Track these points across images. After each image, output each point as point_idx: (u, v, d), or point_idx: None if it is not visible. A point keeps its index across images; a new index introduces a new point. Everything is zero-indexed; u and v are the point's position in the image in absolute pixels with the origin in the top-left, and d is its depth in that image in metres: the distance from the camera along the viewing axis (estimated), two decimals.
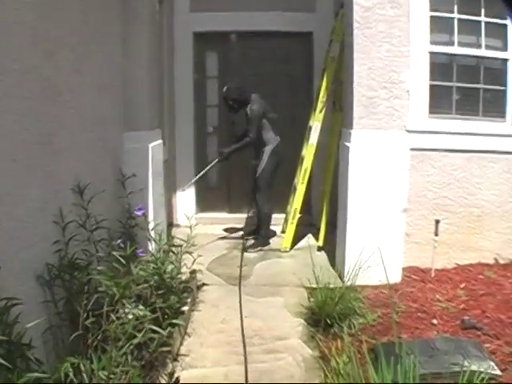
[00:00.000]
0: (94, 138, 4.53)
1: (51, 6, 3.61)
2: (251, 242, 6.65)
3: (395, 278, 5.21)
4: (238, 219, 7.31)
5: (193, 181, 7.16)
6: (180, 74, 7.54)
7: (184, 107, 7.56)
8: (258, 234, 6.69)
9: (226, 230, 7.38)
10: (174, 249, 4.85)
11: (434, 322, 4.42)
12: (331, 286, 4.67)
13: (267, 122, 6.42)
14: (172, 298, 4.30)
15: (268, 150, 6.44)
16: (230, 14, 7.27)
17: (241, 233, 7.02)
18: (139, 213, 4.62)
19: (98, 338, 3.28)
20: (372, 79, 5.13)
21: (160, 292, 4.16)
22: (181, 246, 4.90)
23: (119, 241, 4.31)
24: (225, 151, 6.54)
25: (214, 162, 6.72)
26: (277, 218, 6.95)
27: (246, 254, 6.30)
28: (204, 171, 6.87)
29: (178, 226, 7.54)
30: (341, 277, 5.20)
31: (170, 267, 4.59)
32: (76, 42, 4.10)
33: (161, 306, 4.00)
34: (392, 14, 5.03)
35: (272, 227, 6.88)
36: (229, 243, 6.85)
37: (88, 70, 4.36)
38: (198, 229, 7.23)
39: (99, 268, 3.82)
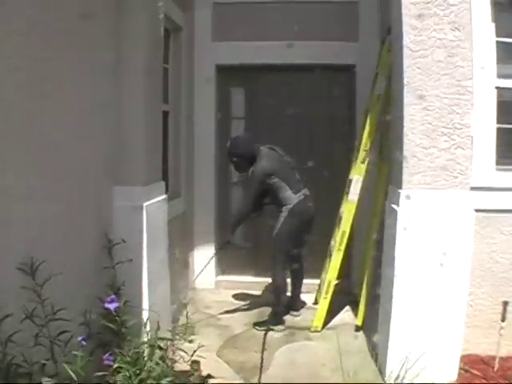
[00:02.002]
0: (67, 194, 3.66)
1: None
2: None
3: (451, 374, 4.09)
4: (266, 284, 6.23)
5: (196, 277, 6.24)
6: (200, 113, 6.52)
7: (204, 152, 6.54)
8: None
9: (236, 295, 6.36)
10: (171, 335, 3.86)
11: None
12: None
13: (281, 180, 5.26)
14: None
15: (285, 210, 5.28)
16: (259, 45, 6.21)
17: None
18: (111, 306, 3.50)
19: None
20: (428, 123, 4.01)
21: None
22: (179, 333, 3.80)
23: (80, 338, 3.22)
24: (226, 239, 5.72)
25: (213, 255, 6.06)
26: (310, 285, 5.90)
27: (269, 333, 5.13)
28: (208, 263, 5.99)
29: (194, 289, 6.47)
30: (382, 371, 4.19)
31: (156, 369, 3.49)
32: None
33: None
34: (452, 38, 3.91)
35: (303, 295, 5.84)
36: (249, 315, 5.73)
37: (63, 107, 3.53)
38: (218, 295, 6.31)
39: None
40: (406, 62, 3.95)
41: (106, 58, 4.09)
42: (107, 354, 3.32)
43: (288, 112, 6.42)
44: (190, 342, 3.87)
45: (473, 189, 4.11)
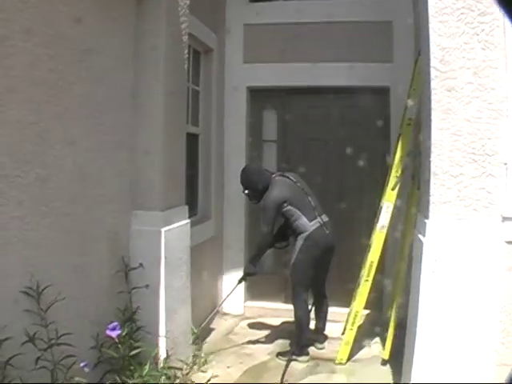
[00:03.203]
0: (83, 217, 3.57)
1: None
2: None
3: None
4: None
5: (218, 306, 6.08)
6: (231, 136, 6.42)
7: (235, 176, 6.31)
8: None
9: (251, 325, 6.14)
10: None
11: None
12: None
13: (294, 207, 5.07)
14: None
15: (300, 239, 5.07)
16: (292, 66, 6.11)
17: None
18: (113, 333, 3.37)
19: None
20: (457, 149, 3.74)
21: None
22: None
23: (83, 364, 3.10)
24: (245, 271, 5.48)
25: (236, 285, 5.65)
26: (340, 314, 5.59)
27: (291, 363, 4.97)
28: (229, 293, 5.76)
29: (224, 314, 6.38)
30: None
31: None
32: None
33: None
34: (483, 58, 3.66)
35: (328, 324, 5.55)
36: (275, 343, 5.52)
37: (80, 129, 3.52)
38: (245, 321, 6.14)
39: None
40: (433, 83, 3.72)
41: (125, 79, 4.06)
42: (108, 382, 3.20)
43: (321, 136, 6.30)
44: (204, 371, 3.68)
45: (506, 219, 3.83)
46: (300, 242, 5.06)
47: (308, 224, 5.04)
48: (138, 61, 4.14)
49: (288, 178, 5.24)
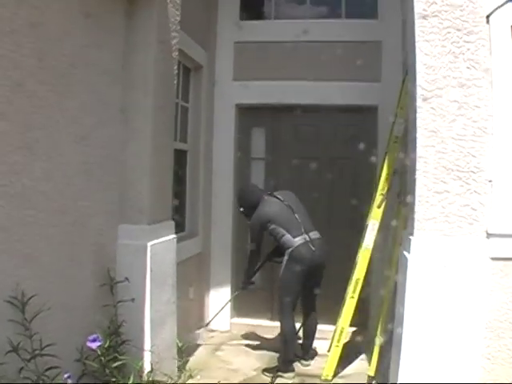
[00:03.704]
0: (68, 229, 3.55)
1: None
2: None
3: None
4: None
5: (214, 316, 6.25)
6: (220, 152, 6.44)
7: (222, 192, 6.43)
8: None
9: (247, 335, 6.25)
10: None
11: None
12: None
13: (278, 226, 5.18)
14: None
15: (286, 255, 5.16)
16: (281, 84, 6.16)
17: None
18: (93, 345, 3.36)
19: None
20: (442, 167, 3.78)
21: None
22: None
23: (66, 375, 3.08)
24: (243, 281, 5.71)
25: (228, 301, 6.10)
26: (327, 332, 5.56)
27: (277, 380, 5.01)
28: (221, 309, 6.12)
29: (210, 331, 6.38)
30: None
31: None
32: None
33: None
34: (468, 77, 3.71)
35: (316, 341, 5.58)
36: (261, 359, 5.50)
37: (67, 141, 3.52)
38: (231, 338, 6.13)
39: None
40: (419, 101, 3.76)
41: (114, 93, 4.07)
42: None
43: (309, 154, 6.33)
44: None
45: (491, 236, 3.85)
46: (286, 257, 5.13)
47: (292, 240, 5.11)
48: (127, 75, 4.16)
49: (276, 197, 5.35)
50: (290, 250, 5.10)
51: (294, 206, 5.27)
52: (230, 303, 6.33)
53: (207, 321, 6.39)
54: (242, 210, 5.50)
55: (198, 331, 6.01)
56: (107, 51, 3.98)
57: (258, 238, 5.30)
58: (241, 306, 6.55)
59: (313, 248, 5.08)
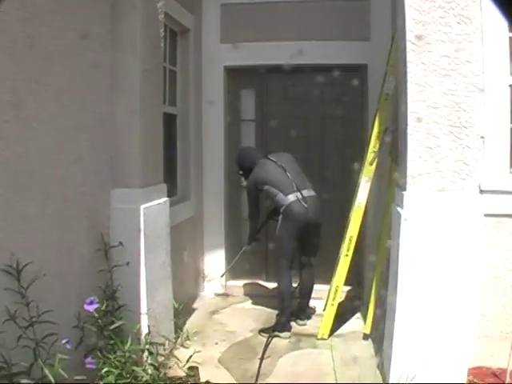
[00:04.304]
0: (61, 195, 3.53)
1: None
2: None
3: None
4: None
5: (228, 268, 6.31)
6: (209, 116, 6.37)
7: (213, 156, 6.39)
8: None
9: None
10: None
11: None
12: None
13: (272, 186, 5.23)
14: None
15: (281, 214, 5.21)
16: (269, 45, 6.04)
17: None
18: (90, 307, 3.36)
19: None
20: (433, 122, 3.78)
21: None
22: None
23: (64, 341, 3.08)
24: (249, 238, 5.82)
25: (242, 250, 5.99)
26: (323, 291, 5.58)
27: (274, 339, 5.02)
28: (239, 255, 6.02)
29: (204, 295, 6.45)
30: (385, 381, 3.99)
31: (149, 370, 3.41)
32: None
33: None
34: (459, 32, 3.68)
35: (313, 301, 5.62)
36: (258, 320, 5.53)
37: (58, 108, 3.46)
38: (227, 300, 6.16)
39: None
40: (409, 56, 3.74)
41: (102, 58, 4.01)
42: (89, 358, 3.19)
43: (299, 114, 6.29)
44: (186, 347, 3.69)
45: (484, 192, 3.87)
46: (280, 216, 5.17)
47: (284, 198, 5.14)
48: (115, 38, 4.10)
49: (270, 159, 5.37)
50: (283, 208, 5.14)
51: (286, 165, 5.27)
52: (224, 266, 6.38)
53: (203, 284, 6.43)
54: (240, 172, 5.61)
55: (192, 295, 6.03)
56: (94, 15, 3.91)
57: (255, 199, 5.43)
58: (236, 269, 6.56)
59: (305, 205, 5.09)
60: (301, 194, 5.13)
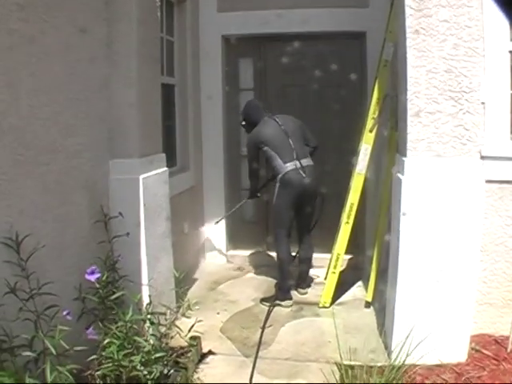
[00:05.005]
0: (59, 166, 3.47)
1: None
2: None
3: (460, 354, 3.84)
4: None
5: (225, 215, 6.22)
6: (207, 86, 6.30)
7: (212, 125, 6.34)
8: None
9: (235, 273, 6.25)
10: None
11: None
12: (373, 363, 3.58)
13: (271, 149, 5.13)
14: None
15: (277, 181, 5.14)
16: (267, 13, 5.94)
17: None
18: (91, 277, 3.34)
19: None
20: (433, 87, 3.73)
21: None
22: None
23: (65, 312, 3.06)
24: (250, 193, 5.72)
25: (242, 203, 5.96)
26: (324, 259, 5.54)
27: (275, 308, 5.01)
28: (237, 206, 5.98)
29: (206, 264, 6.48)
30: (387, 349, 3.99)
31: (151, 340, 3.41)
32: None
33: None
34: None
35: (314, 270, 5.65)
36: (259, 290, 5.55)
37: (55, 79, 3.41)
38: (228, 270, 6.16)
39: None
40: (408, 21, 3.67)
41: (98, 30, 3.95)
42: (90, 328, 3.18)
43: (298, 82, 6.23)
44: (188, 317, 3.67)
45: (485, 158, 3.82)
46: (277, 184, 5.11)
47: (282, 166, 5.06)
48: (110, 8, 4.02)
49: (274, 120, 5.25)
50: (280, 175, 5.07)
51: (290, 131, 5.17)
52: (224, 236, 6.41)
53: (205, 254, 6.44)
54: (243, 123, 5.49)
55: (193, 265, 6.03)
56: None
57: (254, 157, 5.28)
58: (236, 239, 6.56)
59: (303, 174, 5.03)
60: (299, 162, 5.06)
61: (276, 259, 5.34)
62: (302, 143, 5.23)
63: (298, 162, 5.05)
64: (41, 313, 2.99)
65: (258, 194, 5.67)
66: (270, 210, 5.43)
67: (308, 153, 5.24)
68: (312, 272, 5.63)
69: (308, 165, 5.12)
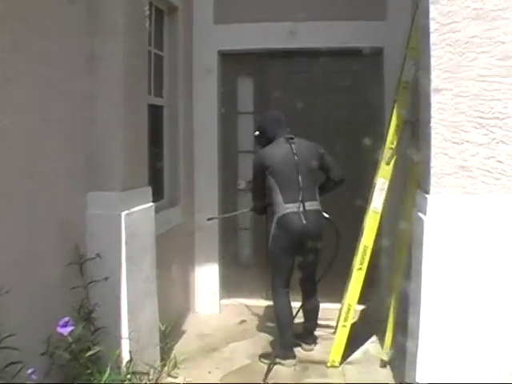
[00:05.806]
0: (28, 198, 3.44)
1: None
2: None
3: None
4: None
5: (220, 216, 6.23)
6: (201, 108, 6.33)
7: (206, 153, 6.36)
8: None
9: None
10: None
11: None
12: None
13: (274, 180, 5.04)
14: None
15: (274, 220, 5.09)
16: (269, 26, 6.00)
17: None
18: (64, 330, 3.29)
19: None
20: (461, 113, 3.69)
21: None
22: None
23: (30, 371, 3.00)
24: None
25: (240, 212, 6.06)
26: (332, 311, 5.54)
27: (276, 367, 4.93)
28: (236, 213, 6.11)
29: (197, 314, 6.41)
30: None
31: None
32: None
33: None
34: (492, 8, 3.59)
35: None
36: (257, 344, 5.49)
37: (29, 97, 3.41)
38: (221, 321, 6.11)
39: None
40: (433, 37, 3.66)
41: (81, 41, 3.97)
42: None
43: (304, 105, 6.21)
44: (174, 377, 3.63)
45: None
46: (274, 223, 5.07)
47: (283, 205, 4.99)
48: (93, 19, 4.05)
49: (290, 145, 5.14)
50: (278, 215, 5.03)
51: (303, 163, 5.04)
52: (217, 283, 6.35)
53: (194, 301, 6.40)
54: (256, 133, 5.41)
55: (182, 315, 5.97)
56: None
57: (259, 178, 5.16)
58: (230, 286, 6.51)
59: (304, 221, 4.93)
60: (303, 205, 4.97)
61: (274, 311, 5.27)
62: (313, 181, 5.13)
63: (301, 205, 4.96)
64: (1, 370, 2.94)
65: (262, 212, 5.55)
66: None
67: (317, 193, 5.15)
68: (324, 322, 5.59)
69: (312, 209, 5.04)
